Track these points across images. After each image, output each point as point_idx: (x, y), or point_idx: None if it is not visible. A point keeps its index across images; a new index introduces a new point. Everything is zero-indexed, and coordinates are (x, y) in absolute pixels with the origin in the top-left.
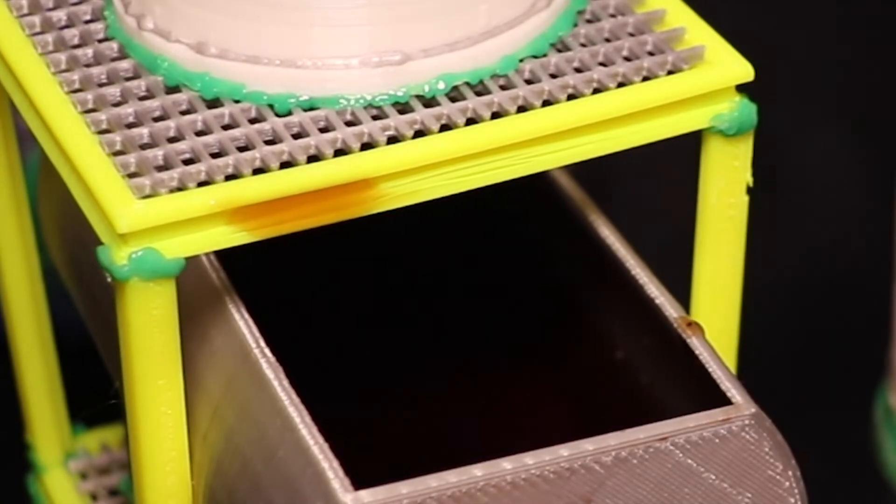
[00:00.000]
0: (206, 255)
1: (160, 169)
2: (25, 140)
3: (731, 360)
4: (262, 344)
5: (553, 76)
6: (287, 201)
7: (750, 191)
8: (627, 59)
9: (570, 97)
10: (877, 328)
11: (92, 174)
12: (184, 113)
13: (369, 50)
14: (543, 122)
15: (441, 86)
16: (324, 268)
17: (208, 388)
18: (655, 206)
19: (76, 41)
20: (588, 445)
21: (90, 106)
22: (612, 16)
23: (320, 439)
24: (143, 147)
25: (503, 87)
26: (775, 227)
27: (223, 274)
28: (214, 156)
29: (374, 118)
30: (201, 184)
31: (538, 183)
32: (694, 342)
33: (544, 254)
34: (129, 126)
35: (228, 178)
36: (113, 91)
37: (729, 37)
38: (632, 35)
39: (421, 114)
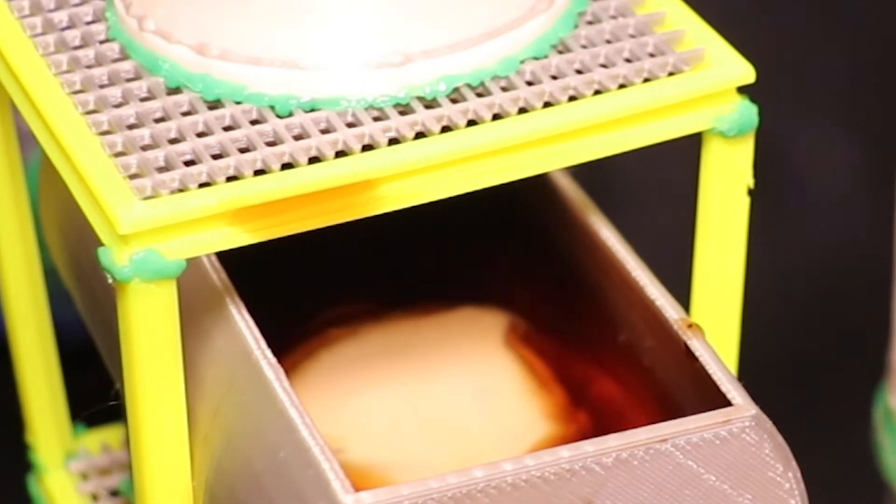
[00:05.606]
0: (207, 256)
1: (161, 170)
2: (26, 141)
3: (731, 362)
4: (263, 345)
5: (554, 77)
6: (288, 202)
7: (750, 192)
8: (628, 60)
9: (571, 98)
10: (877, 329)
11: (93, 175)
12: (185, 114)
13: (370, 51)
14: (544, 124)
15: (442, 87)
16: (325, 268)
17: (209, 388)
18: (656, 207)
19: (77, 42)
20: (588, 447)
21: (91, 107)
22: (613, 17)
23: (321, 440)
24: (145, 148)
25: (504, 89)
26: (775, 227)
27: (224, 275)
28: (215, 157)
29: (375, 119)
30: (202, 185)
31: (538, 183)
32: (694, 344)
33: (544, 254)
34: (131, 127)
35: (229, 179)
36: (114, 92)
37: (729, 37)
38: (632, 36)
39: (422, 115)
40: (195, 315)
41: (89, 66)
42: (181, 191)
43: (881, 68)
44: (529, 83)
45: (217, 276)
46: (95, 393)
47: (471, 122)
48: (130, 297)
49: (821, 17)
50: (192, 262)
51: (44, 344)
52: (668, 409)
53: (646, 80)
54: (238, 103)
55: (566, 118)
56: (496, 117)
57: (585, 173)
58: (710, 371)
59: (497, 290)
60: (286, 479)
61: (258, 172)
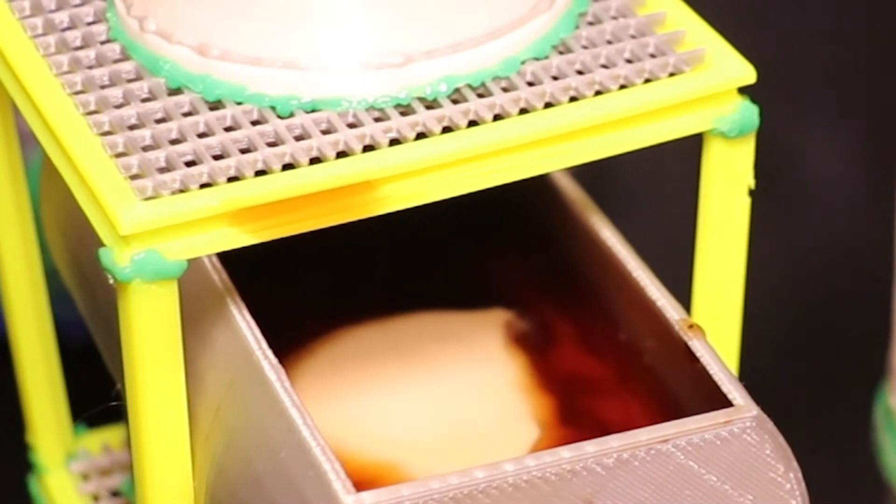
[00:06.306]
0: (208, 256)
1: (162, 171)
2: (27, 141)
3: (732, 362)
4: (264, 345)
5: (555, 78)
6: (289, 203)
7: (751, 192)
8: (629, 61)
9: (572, 99)
10: (877, 329)
11: (94, 176)
12: (186, 115)
13: (371, 52)
14: (545, 124)
15: (443, 88)
16: (325, 268)
17: (210, 389)
18: (656, 207)
19: (78, 43)
20: (590, 447)
21: (92, 108)
22: (614, 18)
23: (322, 441)
24: (146, 149)
25: (505, 89)
26: (775, 228)
27: (225, 275)
28: (216, 157)
29: (376, 120)
30: (203, 185)
31: (539, 184)
32: (695, 344)
33: (544, 254)
34: (132, 128)
35: (230, 179)
36: (115, 93)
37: (730, 38)
38: (633, 37)
39: (423, 115)
40: (196, 315)
41: (90, 67)
42: (182, 191)
43: (881, 68)
44: (530, 84)
45: (218, 276)
46: (96, 393)
47: (472, 123)
48: (131, 297)
49: (821, 16)
50: (193, 263)
51: (45, 344)
52: (669, 410)
53: (647, 81)
54: (239, 104)
55: (567, 119)
56: (497, 118)
57: (586, 173)
58: (711, 371)
59: (497, 290)
60: (287, 479)
61: (259, 173)
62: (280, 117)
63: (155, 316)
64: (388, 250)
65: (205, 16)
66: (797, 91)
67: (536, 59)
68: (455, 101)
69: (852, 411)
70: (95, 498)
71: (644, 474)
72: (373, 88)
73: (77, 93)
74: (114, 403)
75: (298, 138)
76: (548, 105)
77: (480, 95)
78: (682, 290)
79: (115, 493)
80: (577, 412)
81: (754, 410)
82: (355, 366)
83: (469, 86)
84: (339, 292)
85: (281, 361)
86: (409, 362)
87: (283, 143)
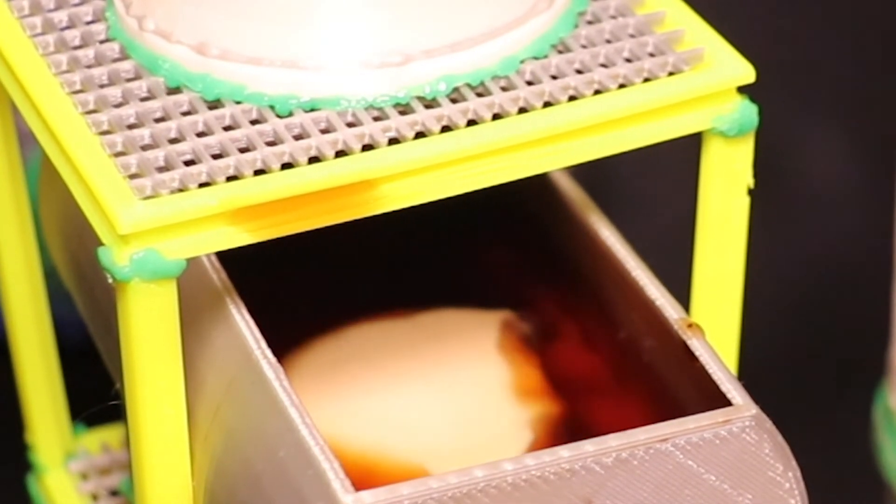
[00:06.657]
0: (207, 255)
1: (161, 170)
2: (26, 140)
3: (731, 362)
4: (263, 345)
5: (554, 77)
6: (288, 202)
7: (750, 191)
8: (628, 60)
9: (571, 98)
10: (877, 328)
11: (93, 175)
12: (185, 114)
13: (370, 51)
14: (544, 124)
15: (442, 87)
16: (324, 268)
17: (209, 388)
18: (656, 207)
19: (77, 42)
20: (589, 446)
21: (91, 107)
22: (613, 17)
23: (321, 440)
24: (145, 148)
25: (504, 89)
26: (775, 227)
27: (224, 275)
28: (215, 157)
29: (375, 119)
30: (202, 185)
31: (538, 183)
32: (694, 343)
33: (544, 254)
34: (131, 127)
35: (229, 179)
36: (114, 92)
37: (729, 37)
38: (632, 36)
39: (422, 115)
40: (195, 315)
41: (89, 66)
42: (181, 190)
43: (881, 68)
44: (529, 83)
45: (217, 275)
46: (95, 393)
47: (471, 122)
48: (130, 296)
49: (821, 17)
50: (192, 262)
51: (44, 344)
52: (668, 409)
53: (646, 80)
54: (238, 103)
55: (566, 118)
56: (496, 117)
57: (585, 173)
58: (710, 371)
59: (496, 289)
60: (286, 478)
61: (258, 172)
62: (279, 116)
63: (154, 315)
64: (388, 249)
65: (204, 15)
66: (797, 91)
67: (535, 58)
68: (454, 101)
69: (852, 411)
70: (94, 497)
71: (643, 473)
72: (372, 88)
73: (76, 92)
74: (113, 403)
75: (297, 137)
76: (547, 104)
77: (479, 95)
78: (681, 290)
79: (114, 493)
80: (576, 411)
81: (753, 409)
82: (355, 365)
83: (468, 85)
84: (338, 291)
85: (280, 360)
86: (408, 361)
87: (282, 142)
